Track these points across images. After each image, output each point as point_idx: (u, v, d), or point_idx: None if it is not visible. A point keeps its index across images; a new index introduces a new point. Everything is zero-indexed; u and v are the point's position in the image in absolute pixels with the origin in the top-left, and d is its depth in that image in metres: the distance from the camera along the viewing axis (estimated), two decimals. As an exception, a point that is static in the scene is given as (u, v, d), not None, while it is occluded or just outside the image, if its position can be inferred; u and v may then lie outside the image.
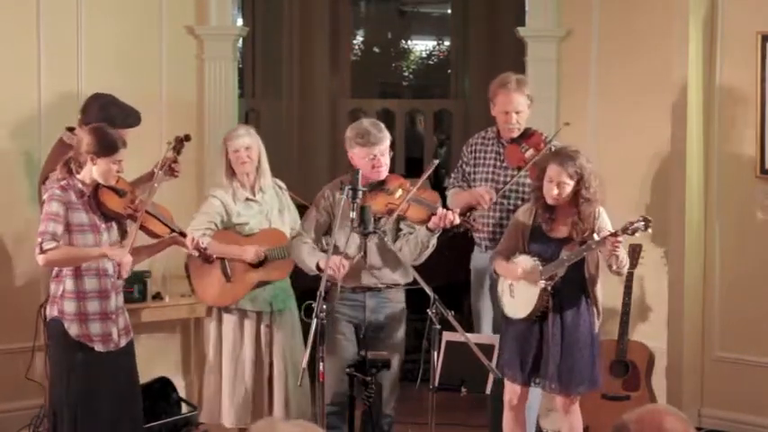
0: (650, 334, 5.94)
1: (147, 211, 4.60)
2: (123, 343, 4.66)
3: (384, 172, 4.76)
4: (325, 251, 4.73)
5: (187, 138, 4.98)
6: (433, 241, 4.73)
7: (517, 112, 5.17)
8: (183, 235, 4.73)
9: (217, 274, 5.11)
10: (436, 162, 4.98)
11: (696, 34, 5.78)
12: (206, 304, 5.28)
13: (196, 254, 4.80)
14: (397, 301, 4.91)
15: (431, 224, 4.65)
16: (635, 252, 5.58)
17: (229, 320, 5.15)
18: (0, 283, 5.67)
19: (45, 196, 4.59)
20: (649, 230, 4.51)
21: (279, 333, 5.15)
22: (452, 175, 5.49)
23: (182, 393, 6.03)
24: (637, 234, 4.53)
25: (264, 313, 5.14)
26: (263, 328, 5.14)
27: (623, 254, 4.62)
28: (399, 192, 4.72)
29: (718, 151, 5.86)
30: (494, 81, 5.30)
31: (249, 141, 5.16)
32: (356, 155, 4.75)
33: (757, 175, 5.72)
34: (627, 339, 5.57)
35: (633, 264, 5.55)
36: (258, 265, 5.08)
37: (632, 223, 4.48)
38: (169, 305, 5.87)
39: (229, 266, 5.10)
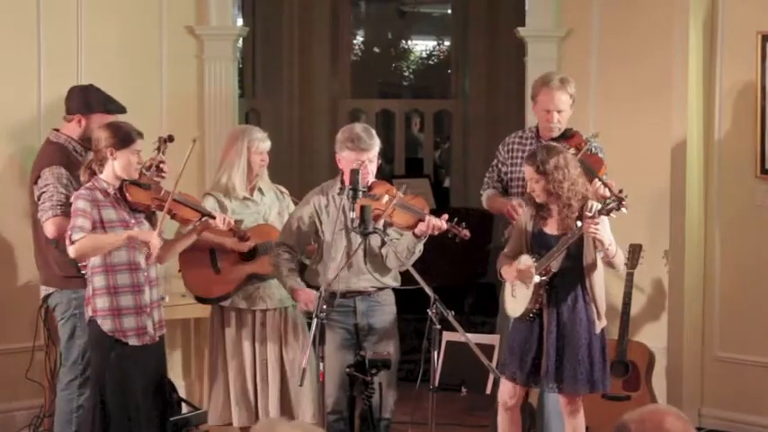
0: (650, 334, 5.94)
1: (174, 199, 4.64)
2: (158, 337, 4.72)
3: (370, 179, 4.75)
4: (302, 266, 4.90)
5: (170, 138, 4.98)
6: (420, 247, 4.70)
7: (559, 111, 5.09)
8: (213, 217, 4.77)
9: (207, 265, 5.11)
10: (426, 211, 4.75)
11: (696, 34, 5.79)
12: (195, 295, 5.27)
13: (230, 233, 4.86)
14: (388, 304, 4.90)
15: (417, 230, 4.62)
16: (635, 252, 5.58)
17: (229, 320, 5.15)
18: (0, 283, 5.67)
19: (71, 198, 4.63)
20: (624, 210, 4.47)
21: (274, 331, 5.14)
22: (487, 175, 5.39)
23: (182, 394, 6.03)
24: (613, 214, 4.51)
25: (260, 311, 5.14)
26: (257, 326, 5.14)
27: (608, 240, 4.58)
28: (386, 197, 4.68)
29: (718, 151, 5.86)
30: (536, 79, 5.24)
31: (269, 144, 5.20)
32: (344, 158, 4.75)
33: (757, 174, 5.73)
34: (627, 339, 5.57)
35: (633, 264, 5.55)
36: (248, 258, 5.08)
37: (607, 204, 4.50)
38: (169, 305, 5.86)
39: (219, 258, 5.10)
